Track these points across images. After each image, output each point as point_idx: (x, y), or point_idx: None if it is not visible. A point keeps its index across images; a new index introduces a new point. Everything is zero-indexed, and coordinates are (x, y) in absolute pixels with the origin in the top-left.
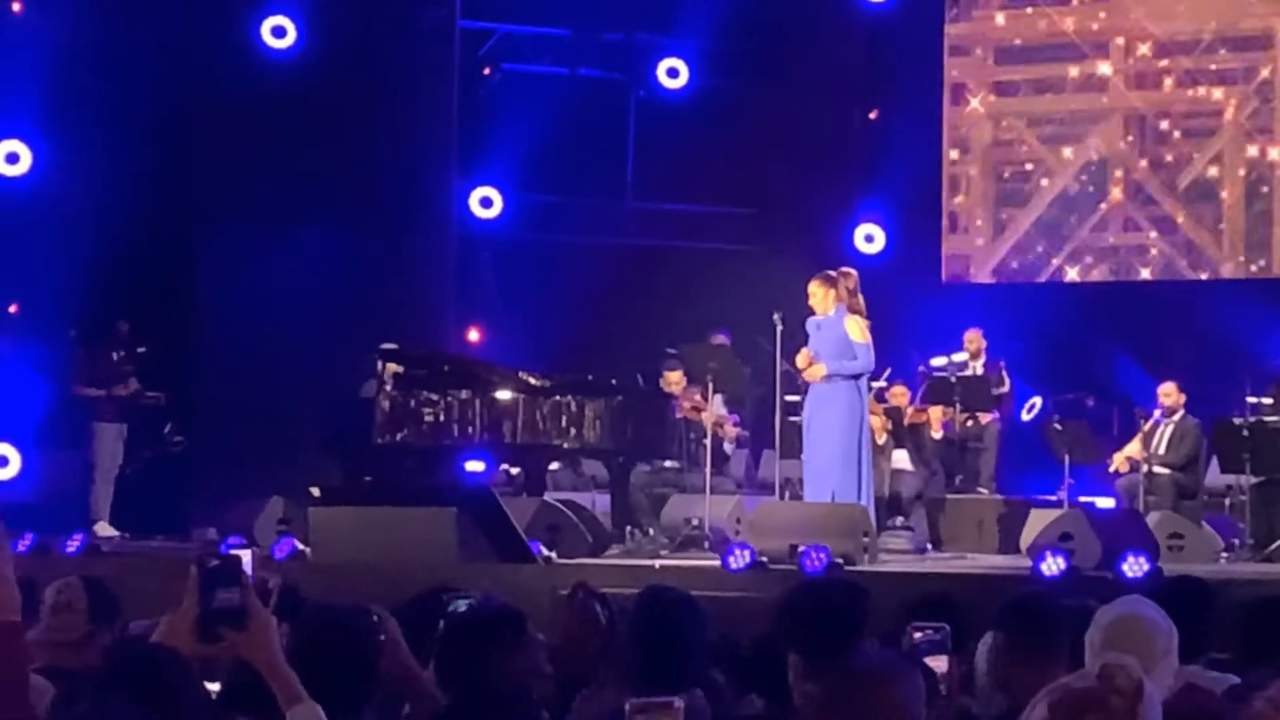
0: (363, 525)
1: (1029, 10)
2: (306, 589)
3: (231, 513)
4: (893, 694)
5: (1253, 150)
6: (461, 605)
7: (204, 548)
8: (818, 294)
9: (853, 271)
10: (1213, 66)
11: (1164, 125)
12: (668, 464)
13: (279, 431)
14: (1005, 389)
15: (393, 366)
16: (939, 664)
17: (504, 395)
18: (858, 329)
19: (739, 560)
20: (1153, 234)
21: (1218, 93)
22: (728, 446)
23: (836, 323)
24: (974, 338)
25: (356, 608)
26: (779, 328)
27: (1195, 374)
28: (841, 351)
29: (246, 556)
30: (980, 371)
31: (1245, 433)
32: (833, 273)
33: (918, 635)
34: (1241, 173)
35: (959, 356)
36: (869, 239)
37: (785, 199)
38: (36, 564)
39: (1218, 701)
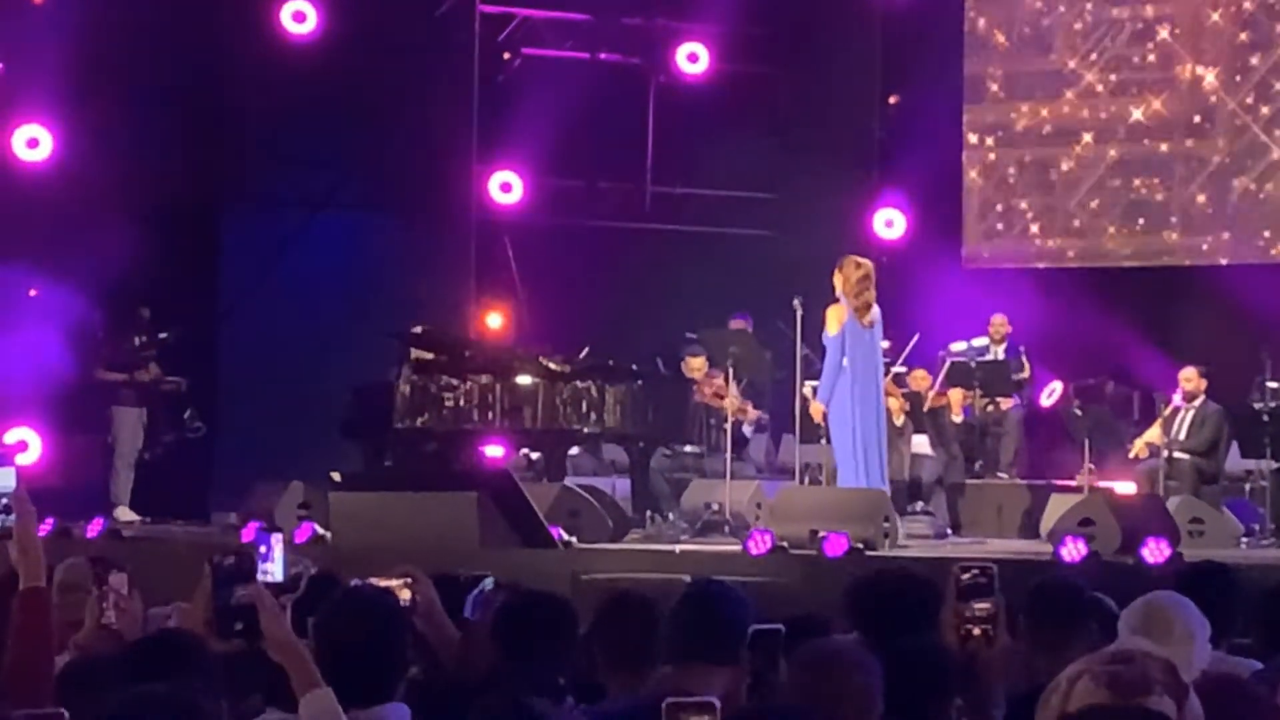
0: (383, 510)
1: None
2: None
3: (252, 497)
4: (856, 680)
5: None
6: (489, 584)
7: (224, 532)
8: (835, 275)
9: (864, 262)
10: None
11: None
12: (688, 449)
13: (299, 416)
14: (1025, 374)
15: (413, 351)
16: (985, 606)
17: (524, 380)
18: (834, 319)
19: (759, 545)
20: (1173, 218)
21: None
22: (747, 430)
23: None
24: (1001, 323)
25: (380, 589)
26: (799, 312)
27: (1216, 359)
28: (826, 339)
29: (277, 541)
30: (1001, 356)
31: (1265, 418)
32: (847, 259)
33: (965, 576)
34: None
35: (979, 341)
36: (889, 224)
37: (805, 184)
38: (56, 548)
39: (1246, 686)
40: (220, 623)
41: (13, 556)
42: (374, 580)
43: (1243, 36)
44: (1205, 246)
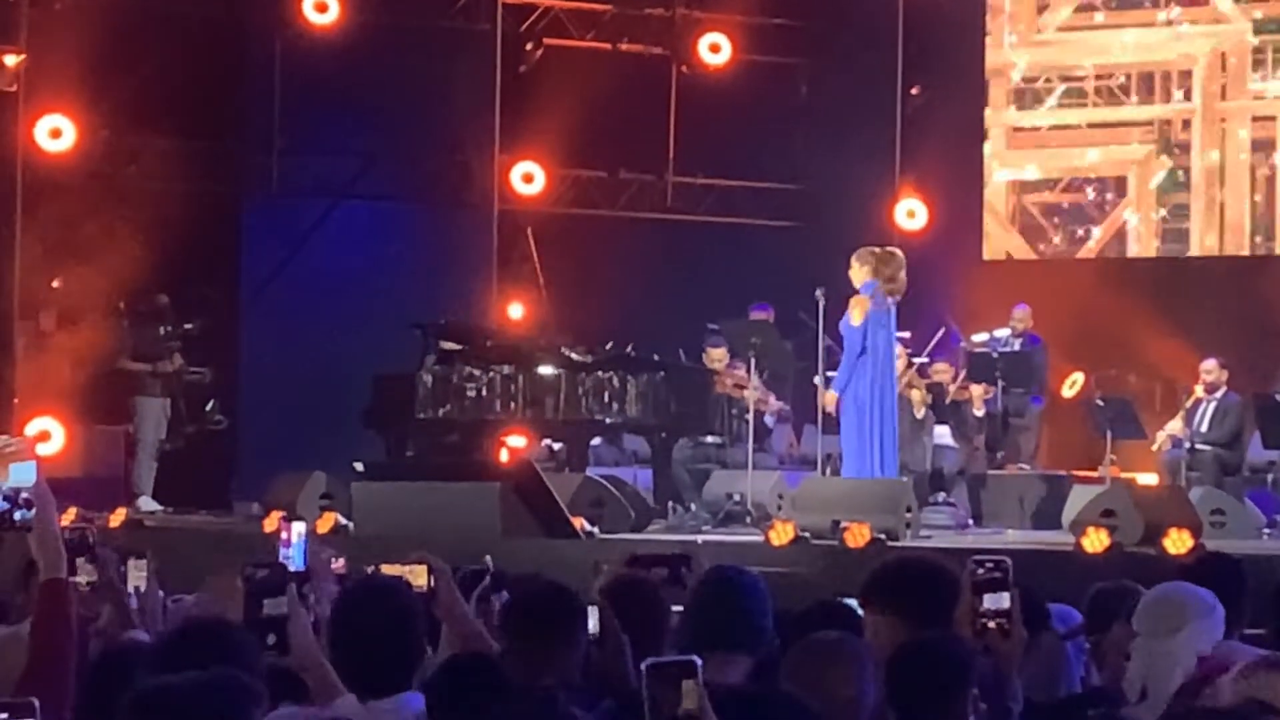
0: (406, 500)
1: None
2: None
3: (274, 488)
4: (847, 671)
5: None
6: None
7: (246, 522)
8: (853, 267)
9: (896, 253)
10: None
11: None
12: (710, 440)
13: (321, 406)
14: (1042, 364)
15: (436, 342)
16: (1001, 600)
17: (546, 371)
18: (857, 310)
19: (781, 535)
20: (1193, 209)
21: None
22: (769, 420)
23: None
24: (1024, 316)
25: (395, 578)
26: (821, 303)
27: (1237, 350)
28: (847, 330)
29: (300, 530)
30: (1015, 347)
31: None
32: (876, 250)
33: (980, 571)
34: None
35: (1001, 332)
36: (911, 215)
37: (827, 174)
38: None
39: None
40: (252, 634)
41: (33, 548)
42: (388, 567)
43: None
44: (1229, 236)
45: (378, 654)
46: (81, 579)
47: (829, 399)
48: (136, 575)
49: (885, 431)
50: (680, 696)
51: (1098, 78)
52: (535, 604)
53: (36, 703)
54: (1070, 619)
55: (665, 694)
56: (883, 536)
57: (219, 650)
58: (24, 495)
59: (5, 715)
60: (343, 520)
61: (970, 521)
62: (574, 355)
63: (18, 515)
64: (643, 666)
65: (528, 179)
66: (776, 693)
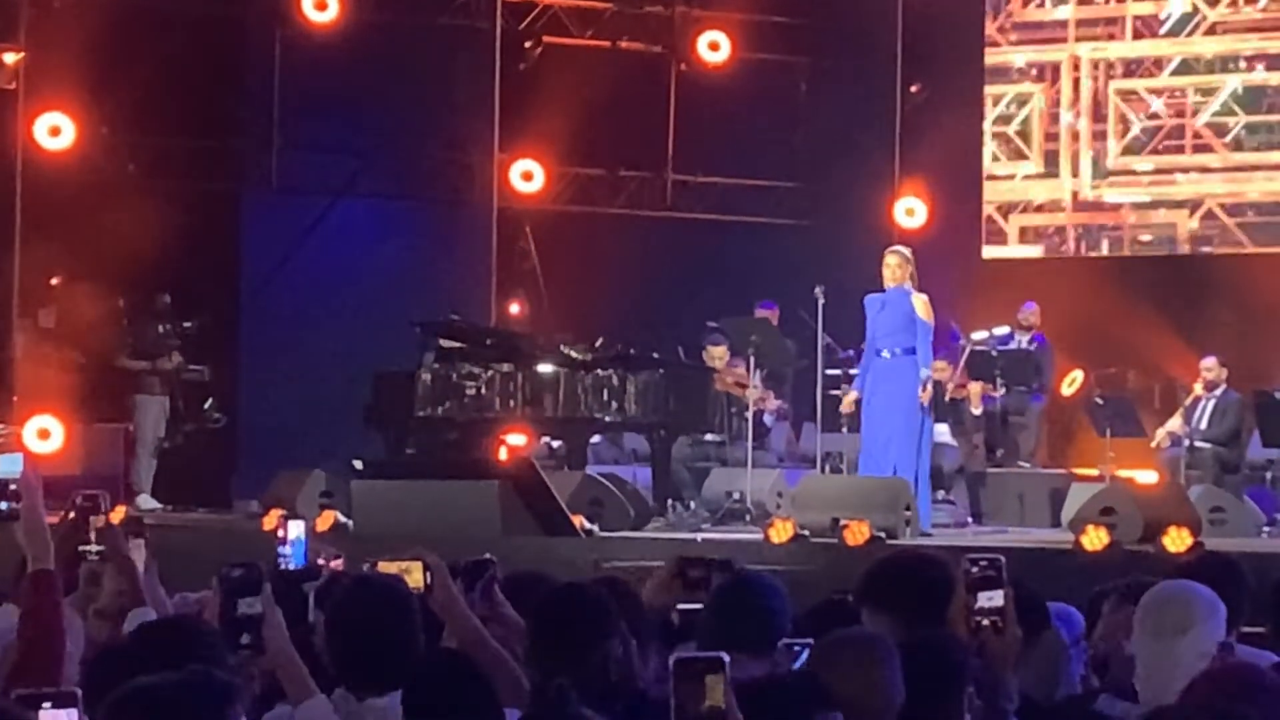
0: (405, 498)
1: None
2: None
3: (274, 485)
4: (879, 671)
5: None
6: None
7: (246, 519)
8: (903, 266)
9: None
10: None
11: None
12: (709, 438)
13: (321, 404)
14: (1047, 363)
15: (435, 340)
16: (995, 598)
17: (546, 369)
18: (924, 307)
19: (781, 533)
20: (1198, 204)
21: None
22: (768, 419)
23: (903, 299)
24: (1032, 314)
25: (390, 576)
26: (821, 301)
27: (1237, 348)
28: (903, 326)
29: (297, 527)
30: (1022, 345)
31: None
32: (910, 254)
33: (974, 570)
34: None
35: (1000, 330)
36: (910, 213)
37: (827, 173)
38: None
39: (1265, 675)
40: (226, 634)
41: (19, 539)
42: (384, 564)
43: None
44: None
45: (373, 651)
46: (92, 547)
47: (927, 395)
48: (134, 556)
49: (925, 432)
50: (705, 692)
51: None
52: (562, 605)
53: (79, 692)
54: (1070, 618)
55: (691, 690)
56: (882, 534)
57: (189, 649)
58: (10, 486)
59: (49, 704)
60: (342, 518)
61: (970, 519)
62: (573, 353)
63: (3, 505)
64: (670, 662)
65: (527, 177)
66: (796, 677)
